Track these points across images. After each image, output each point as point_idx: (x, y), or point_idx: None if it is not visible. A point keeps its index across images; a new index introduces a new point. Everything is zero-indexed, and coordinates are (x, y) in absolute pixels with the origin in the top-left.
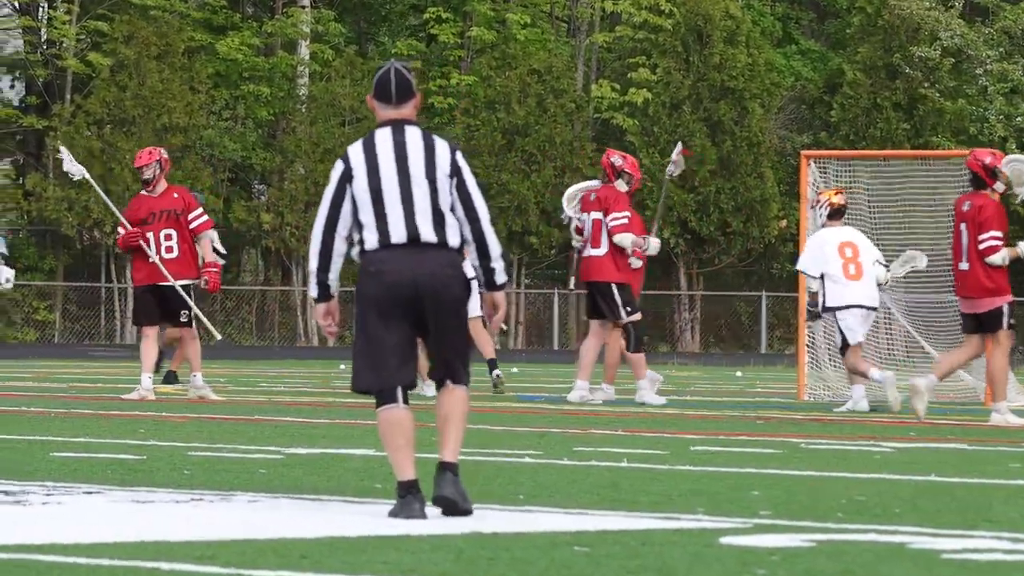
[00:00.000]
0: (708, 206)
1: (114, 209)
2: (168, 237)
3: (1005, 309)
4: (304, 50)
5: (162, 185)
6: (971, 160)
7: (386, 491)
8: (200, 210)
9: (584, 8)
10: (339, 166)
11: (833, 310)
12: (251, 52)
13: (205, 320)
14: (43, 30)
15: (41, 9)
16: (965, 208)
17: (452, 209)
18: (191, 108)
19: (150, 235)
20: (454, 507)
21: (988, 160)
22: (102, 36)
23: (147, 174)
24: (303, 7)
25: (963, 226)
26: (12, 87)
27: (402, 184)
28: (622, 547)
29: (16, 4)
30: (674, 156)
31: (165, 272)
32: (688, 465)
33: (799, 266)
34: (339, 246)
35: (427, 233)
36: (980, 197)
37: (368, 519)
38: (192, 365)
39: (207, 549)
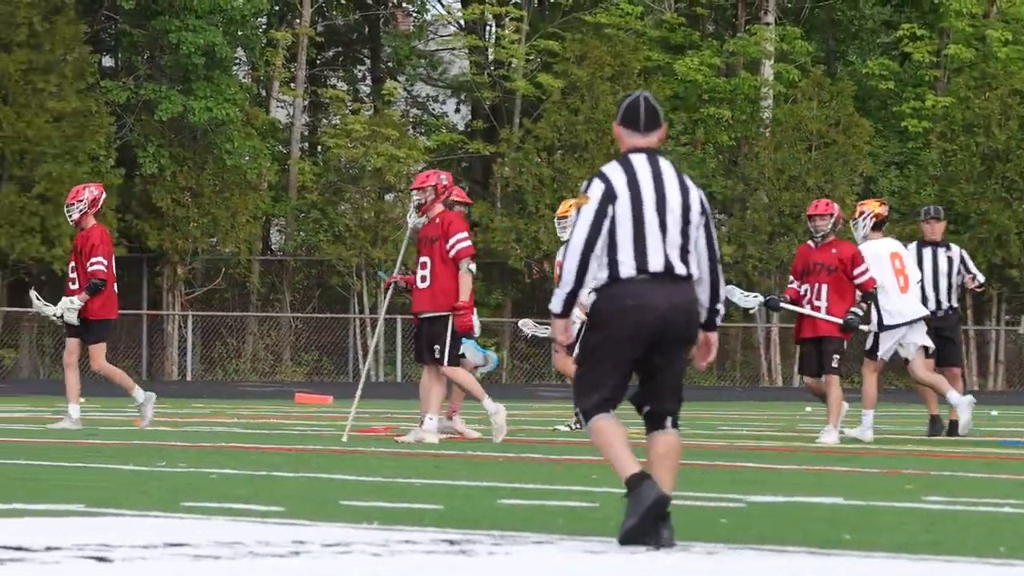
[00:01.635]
0: None
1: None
2: (423, 265)
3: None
4: (768, 70)
5: (434, 210)
6: None
7: (856, 542)
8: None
9: None
10: (599, 186)
11: (892, 327)
12: (711, 72)
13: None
14: (490, 50)
15: (488, 28)
16: None
17: (696, 244)
18: None
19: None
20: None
21: None
22: (553, 56)
23: (417, 199)
24: (767, 24)
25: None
26: (457, 111)
27: (660, 213)
28: None
29: (462, 23)
30: None
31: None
32: None
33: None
34: (594, 266)
35: (679, 266)
36: None
37: (835, 571)
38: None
39: None
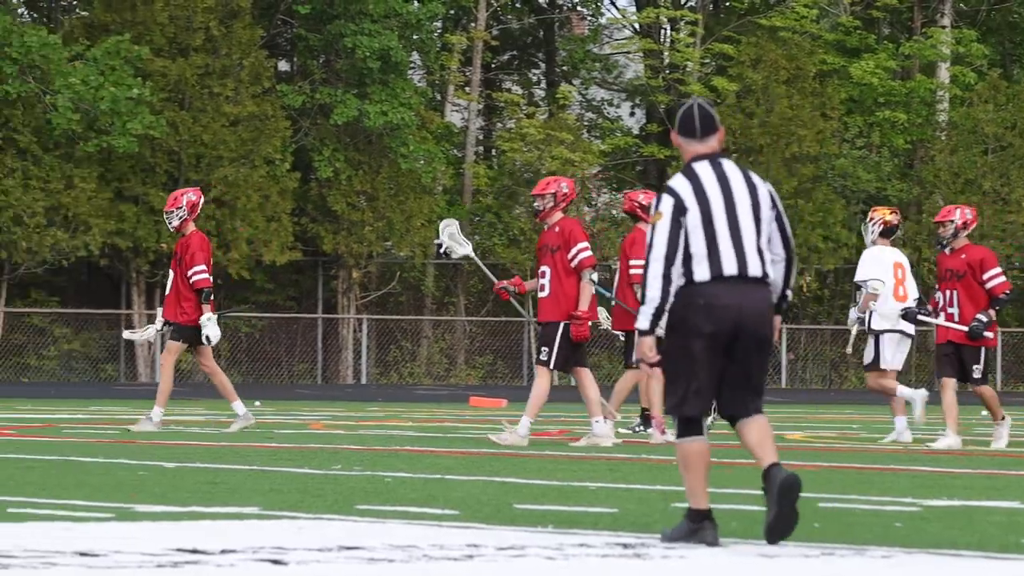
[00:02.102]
0: None
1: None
2: (543, 274)
3: None
4: (944, 73)
5: (553, 217)
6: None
7: None
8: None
9: None
10: (669, 200)
11: (880, 332)
12: (887, 75)
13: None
14: (665, 53)
15: (663, 31)
16: None
17: (770, 242)
18: (822, 136)
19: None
20: (793, 488)
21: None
22: (727, 59)
23: (537, 205)
24: (943, 27)
25: None
26: (632, 114)
27: (730, 217)
28: None
29: (637, 26)
30: None
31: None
32: None
33: (868, 278)
34: (676, 279)
35: (754, 267)
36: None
37: None
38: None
39: None
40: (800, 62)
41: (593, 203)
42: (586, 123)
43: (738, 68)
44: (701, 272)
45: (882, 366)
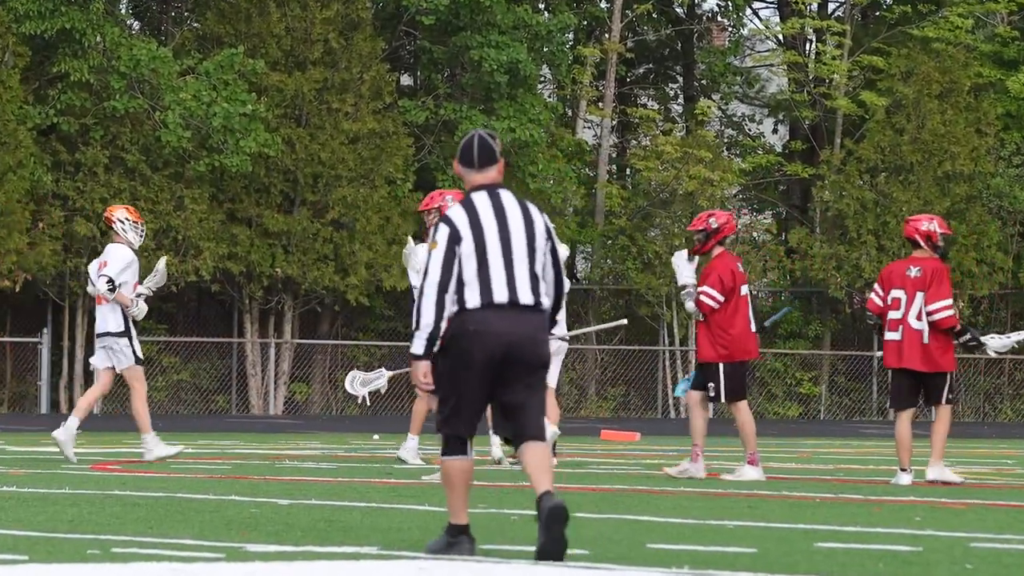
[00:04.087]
0: None
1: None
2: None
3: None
4: None
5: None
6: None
7: None
8: None
9: None
10: (444, 229)
11: None
12: None
13: None
14: (810, 66)
15: (808, 43)
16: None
17: (544, 272)
18: (977, 153)
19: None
20: (560, 516)
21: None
22: (877, 73)
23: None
24: None
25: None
26: (775, 131)
27: (504, 246)
28: None
29: (780, 38)
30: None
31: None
32: None
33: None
34: (450, 306)
35: (525, 296)
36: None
37: None
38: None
39: None
40: (954, 75)
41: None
42: (726, 140)
43: (888, 81)
44: (472, 299)
45: None
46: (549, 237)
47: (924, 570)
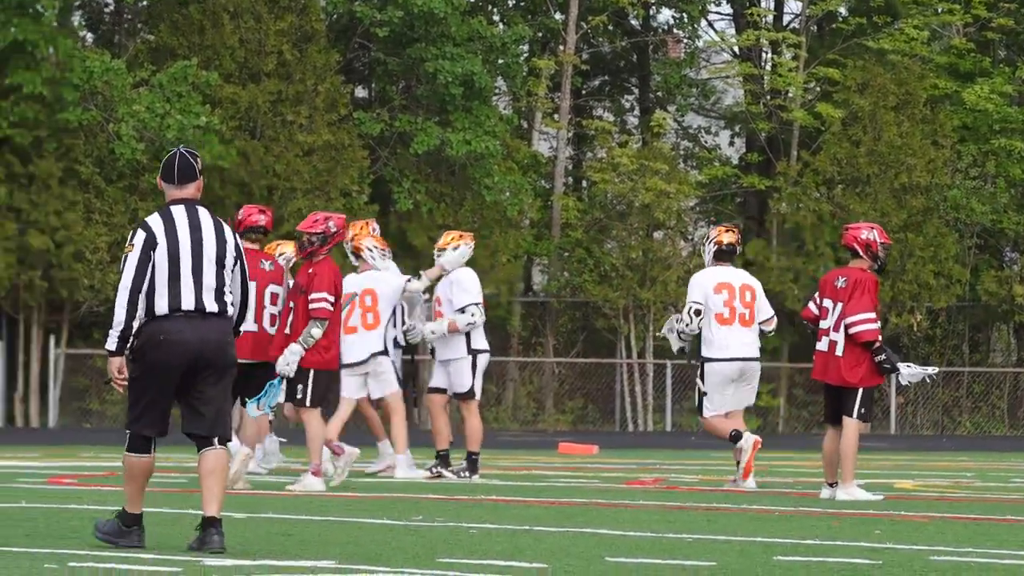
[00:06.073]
0: None
1: None
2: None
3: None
4: None
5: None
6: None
7: None
8: None
9: None
10: (141, 235)
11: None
12: (1003, 101)
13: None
14: (766, 78)
15: (764, 55)
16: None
17: (230, 284)
18: (934, 165)
19: None
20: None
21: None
22: (833, 84)
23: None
24: None
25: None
26: (731, 143)
27: (195, 258)
28: None
29: (736, 50)
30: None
31: None
32: None
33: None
34: (141, 305)
35: (211, 304)
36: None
37: None
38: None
39: None
40: (910, 87)
41: (689, 237)
42: (682, 152)
43: (844, 93)
44: (161, 305)
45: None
46: (238, 256)
47: None
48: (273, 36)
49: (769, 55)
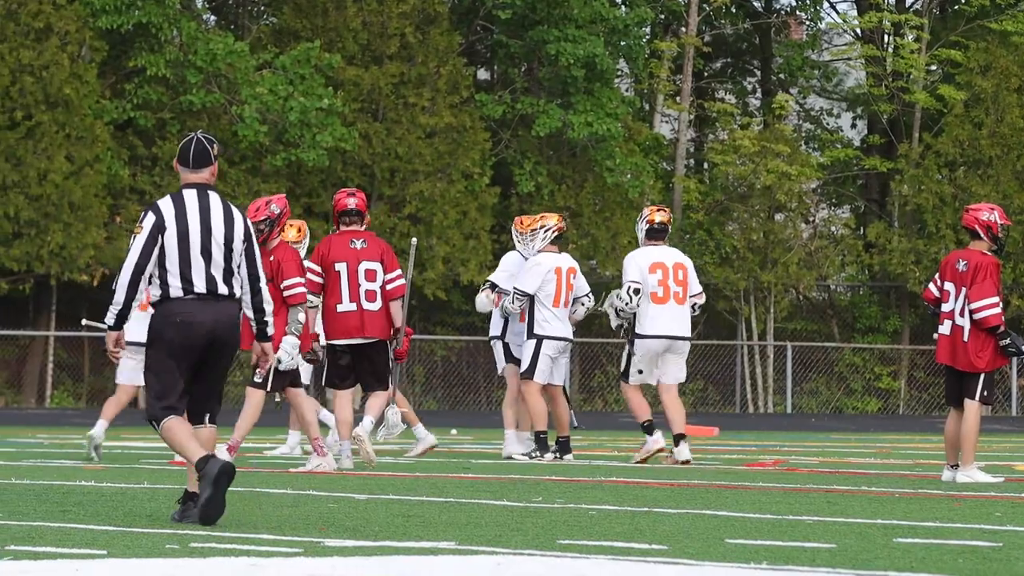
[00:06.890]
0: None
1: None
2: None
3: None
4: None
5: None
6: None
7: None
8: None
9: None
10: (151, 217)
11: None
12: None
13: None
14: (888, 60)
15: (886, 37)
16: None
17: (239, 268)
18: None
19: None
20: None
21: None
22: (955, 66)
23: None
24: None
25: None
26: (853, 125)
27: (204, 241)
28: None
29: (858, 31)
30: None
31: None
32: None
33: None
34: (143, 287)
35: (222, 286)
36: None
37: None
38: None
39: None
40: None
41: (811, 220)
42: (804, 134)
43: (966, 75)
44: (175, 288)
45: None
46: (247, 239)
47: (1004, 566)
48: (396, 18)
49: (891, 37)
